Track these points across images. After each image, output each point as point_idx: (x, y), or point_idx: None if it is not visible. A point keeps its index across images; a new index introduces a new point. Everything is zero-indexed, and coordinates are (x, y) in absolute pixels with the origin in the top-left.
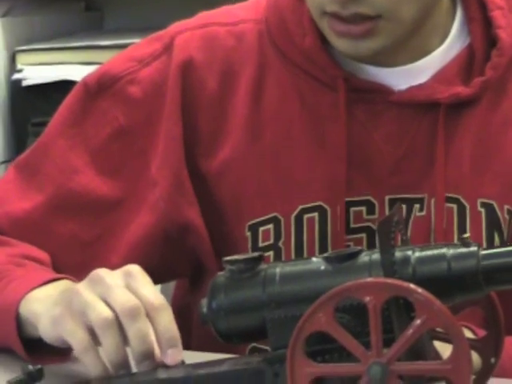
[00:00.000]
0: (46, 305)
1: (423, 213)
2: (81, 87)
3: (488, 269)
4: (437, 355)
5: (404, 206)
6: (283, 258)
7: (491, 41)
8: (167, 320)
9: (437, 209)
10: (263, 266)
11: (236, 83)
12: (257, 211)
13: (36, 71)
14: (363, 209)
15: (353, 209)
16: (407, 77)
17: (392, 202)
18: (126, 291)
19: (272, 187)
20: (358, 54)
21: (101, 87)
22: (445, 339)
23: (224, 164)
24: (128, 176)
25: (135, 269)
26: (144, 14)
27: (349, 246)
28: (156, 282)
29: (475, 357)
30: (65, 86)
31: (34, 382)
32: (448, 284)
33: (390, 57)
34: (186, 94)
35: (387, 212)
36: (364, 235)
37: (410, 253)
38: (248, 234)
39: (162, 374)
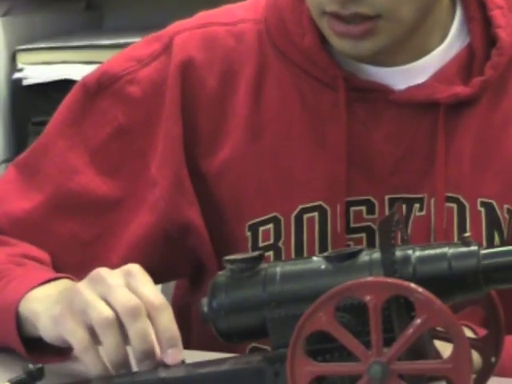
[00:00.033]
0: (45, 304)
1: (423, 212)
2: (80, 87)
3: (488, 268)
4: (437, 354)
5: (404, 206)
6: (283, 258)
7: (491, 40)
8: (167, 319)
9: (437, 208)
10: (264, 265)
11: (236, 83)
12: (257, 211)
13: (36, 70)
14: (363, 208)
15: (353, 208)
16: (407, 76)
17: (392, 201)
18: (127, 291)
19: (272, 187)
20: (357, 54)
21: (100, 87)
22: (445, 338)
23: (224, 164)
24: (127, 176)
25: (135, 268)
26: (144, 13)
27: (349, 245)
28: (156, 281)
29: (475, 356)
30: (65, 85)
31: (35, 382)
32: (448, 283)
33: (389, 56)
34: (185, 94)
35: (387, 212)
36: (364, 235)
37: (410, 252)
38: (248, 233)
39: (163, 374)
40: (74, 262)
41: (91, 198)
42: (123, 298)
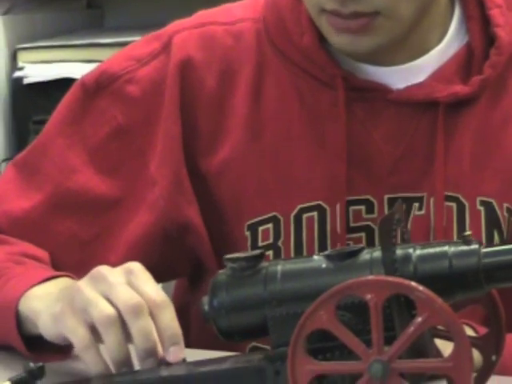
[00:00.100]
0: (46, 302)
1: (422, 212)
2: (79, 86)
3: (489, 267)
4: (438, 353)
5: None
6: (282, 258)
7: (489, 39)
8: (169, 317)
9: (436, 208)
10: (264, 263)
11: (235, 82)
12: (256, 210)
13: (37, 69)
14: (362, 208)
15: (352, 208)
16: (405, 76)
17: (391, 201)
18: (129, 288)
19: (272, 186)
20: (356, 51)
21: (99, 86)
22: (446, 337)
23: (223, 163)
24: (126, 175)
25: (136, 266)
26: (145, 11)
27: (348, 245)
28: (155, 281)
29: (476, 354)
30: (66, 83)
31: (36, 380)
32: (449, 282)
33: (387, 56)
34: (184, 93)
35: (386, 211)
36: (363, 234)
37: (411, 251)
38: (247, 233)
39: (164, 372)
40: (72, 262)
41: (90, 197)
42: (125, 295)
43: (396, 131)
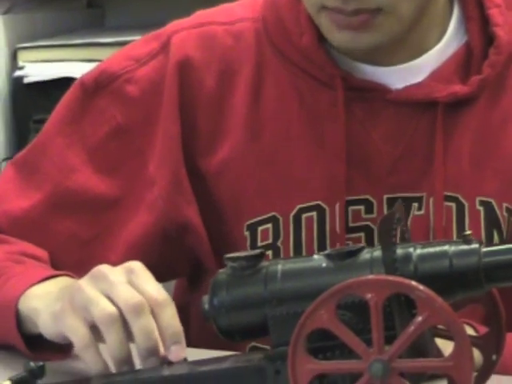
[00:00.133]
0: (46, 301)
1: (422, 212)
2: (78, 86)
3: (489, 266)
4: (438, 352)
5: None
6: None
7: (488, 39)
8: (170, 315)
9: (436, 208)
10: (265, 263)
11: (234, 82)
12: (256, 210)
13: (38, 68)
14: (361, 208)
15: (351, 208)
16: (404, 75)
17: (390, 200)
18: (130, 287)
19: (271, 186)
20: (356, 48)
21: (98, 86)
22: (446, 336)
23: (223, 163)
24: (126, 175)
25: (137, 265)
26: (145, 11)
27: (347, 245)
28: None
29: (477, 354)
30: (66, 83)
31: (36, 379)
32: (449, 281)
33: (387, 55)
34: (183, 93)
35: (385, 211)
36: (362, 234)
37: (411, 250)
38: (246, 233)
39: (165, 371)
40: (72, 261)
41: (89, 197)
42: (126, 294)
43: (395, 131)
